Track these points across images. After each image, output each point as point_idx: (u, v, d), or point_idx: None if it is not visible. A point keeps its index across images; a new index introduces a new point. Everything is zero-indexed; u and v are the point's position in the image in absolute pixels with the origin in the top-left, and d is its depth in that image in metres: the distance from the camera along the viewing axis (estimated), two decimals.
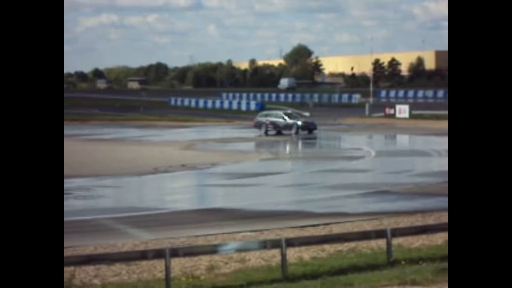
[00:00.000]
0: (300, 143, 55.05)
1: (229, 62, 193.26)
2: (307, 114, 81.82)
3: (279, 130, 58.20)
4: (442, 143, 51.22)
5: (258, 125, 59.70)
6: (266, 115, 60.97)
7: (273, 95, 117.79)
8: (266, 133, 58.35)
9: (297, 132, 57.06)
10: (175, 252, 16.18)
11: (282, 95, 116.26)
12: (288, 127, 57.80)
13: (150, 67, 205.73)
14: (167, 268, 15.72)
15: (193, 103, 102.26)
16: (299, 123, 57.92)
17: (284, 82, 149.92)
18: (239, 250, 17.15)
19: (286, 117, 58.62)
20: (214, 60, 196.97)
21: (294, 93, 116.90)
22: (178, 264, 17.02)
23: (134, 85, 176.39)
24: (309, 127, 58.08)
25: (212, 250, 16.92)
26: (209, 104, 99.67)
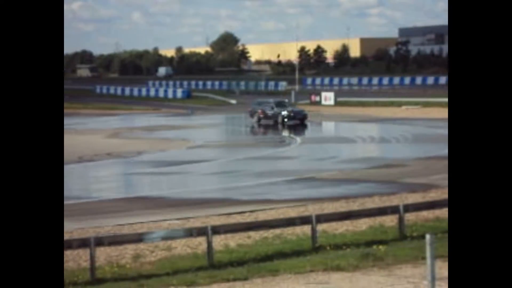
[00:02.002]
0: (237, 130, 55.17)
1: (156, 49, 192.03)
2: (233, 101, 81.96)
3: (270, 119, 55.90)
4: (366, 129, 51.87)
5: (252, 114, 57.68)
6: (259, 104, 58.45)
7: (200, 83, 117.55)
8: (258, 122, 56.23)
9: (282, 122, 54.51)
10: (100, 241, 16.10)
11: (209, 83, 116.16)
12: (275, 116, 55.39)
13: (75, 54, 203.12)
14: (92, 257, 15.63)
15: (119, 91, 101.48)
16: (284, 113, 54.81)
17: (162, 71, 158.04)
18: (165, 238, 17.12)
19: (274, 107, 56.01)
20: (140, 47, 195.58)
21: (173, 81, 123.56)
22: (103, 253, 16.94)
23: (84, 72, 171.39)
24: (296, 117, 55.03)
25: (138, 238, 16.86)
26: (135, 92, 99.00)
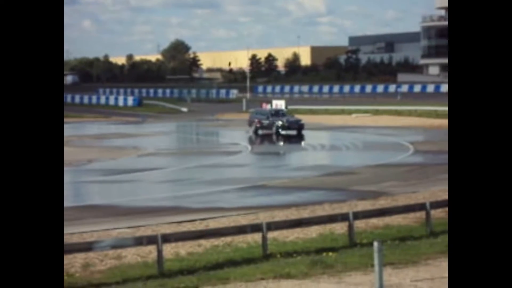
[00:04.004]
0: (183, 138, 54.92)
1: (106, 57, 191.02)
2: (184, 109, 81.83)
3: (266, 129, 52.98)
4: (317, 137, 52.10)
5: (250, 123, 54.67)
6: (256, 113, 55.67)
7: (151, 90, 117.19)
8: (255, 132, 53.39)
9: (277, 132, 52.05)
10: None
11: (160, 90, 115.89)
12: (270, 126, 52.76)
13: None
14: None
15: (69, 99, 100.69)
16: (279, 123, 52.03)
17: (69, 79, 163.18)
18: (115, 247, 17.03)
19: (270, 116, 53.36)
20: (90, 55, 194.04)
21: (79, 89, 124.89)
22: None
23: (67, 79, 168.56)
24: (291, 127, 52.41)
25: (87, 247, 16.76)
26: (86, 100, 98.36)
